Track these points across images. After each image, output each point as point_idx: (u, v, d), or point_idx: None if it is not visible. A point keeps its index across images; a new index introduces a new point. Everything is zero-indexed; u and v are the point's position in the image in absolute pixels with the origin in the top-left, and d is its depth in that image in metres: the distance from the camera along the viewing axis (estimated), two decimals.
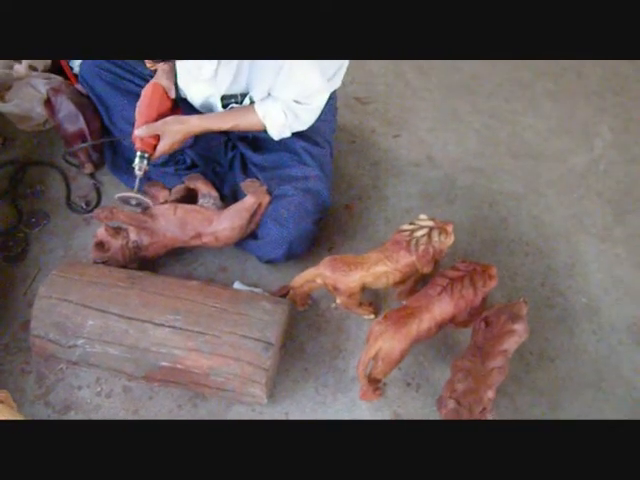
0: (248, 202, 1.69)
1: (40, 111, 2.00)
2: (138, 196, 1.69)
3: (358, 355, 1.62)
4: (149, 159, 1.70)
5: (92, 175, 1.98)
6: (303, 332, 1.67)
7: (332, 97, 1.83)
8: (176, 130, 1.69)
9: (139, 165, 1.68)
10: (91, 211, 1.90)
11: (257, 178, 1.79)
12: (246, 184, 1.71)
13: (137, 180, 1.69)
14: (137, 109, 1.71)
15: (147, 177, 1.76)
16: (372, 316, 1.69)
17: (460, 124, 2.17)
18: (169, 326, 1.52)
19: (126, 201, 1.72)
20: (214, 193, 1.74)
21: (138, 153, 1.69)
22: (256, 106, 1.70)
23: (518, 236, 1.90)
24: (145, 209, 1.72)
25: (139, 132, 1.67)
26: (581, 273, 1.83)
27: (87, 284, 1.58)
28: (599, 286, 1.81)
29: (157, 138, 1.69)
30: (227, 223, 1.70)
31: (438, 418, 1.52)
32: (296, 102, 1.66)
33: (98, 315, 1.54)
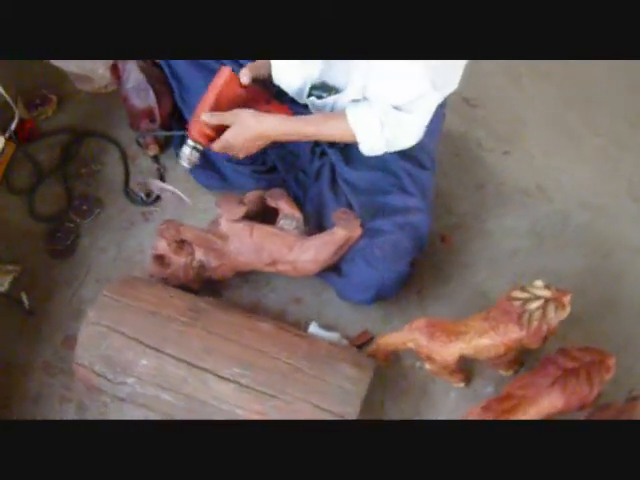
0: (338, 235, 1.44)
1: (102, 73, 1.73)
2: (176, 191, 1.58)
3: None
4: (202, 152, 1.46)
5: (156, 158, 1.71)
6: (383, 390, 1.45)
7: (442, 104, 1.52)
8: (248, 125, 1.41)
9: (187, 156, 1.45)
10: (152, 204, 1.66)
11: (347, 198, 1.53)
12: (337, 215, 1.45)
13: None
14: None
15: (222, 176, 1.59)
16: (462, 384, 1.48)
17: (576, 148, 1.85)
18: (234, 382, 1.32)
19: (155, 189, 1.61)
20: (298, 214, 1.49)
21: (190, 142, 1.44)
22: (347, 109, 1.41)
23: (632, 299, 1.64)
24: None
25: (206, 117, 1.40)
26: None
27: (143, 314, 1.38)
28: None
29: (216, 131, 1.43)
30: (310, 255, 1.45)
31: None
32: (396, 108, 1.37)
33: (153, 354, 1.34)
